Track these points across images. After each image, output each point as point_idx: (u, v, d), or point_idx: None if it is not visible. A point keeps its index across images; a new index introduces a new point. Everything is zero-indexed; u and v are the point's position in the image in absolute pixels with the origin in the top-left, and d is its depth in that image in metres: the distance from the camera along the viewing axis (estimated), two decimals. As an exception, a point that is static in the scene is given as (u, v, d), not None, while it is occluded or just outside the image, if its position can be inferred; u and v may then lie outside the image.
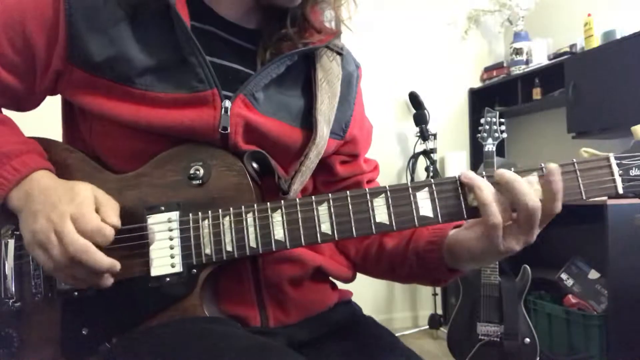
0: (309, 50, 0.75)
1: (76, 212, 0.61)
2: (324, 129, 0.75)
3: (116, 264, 0.62)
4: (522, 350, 2.03)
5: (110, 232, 0.62)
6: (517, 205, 0.60)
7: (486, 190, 0.61)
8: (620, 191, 0.61)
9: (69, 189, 0.63)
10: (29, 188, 0.64)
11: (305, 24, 0.76)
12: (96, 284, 0.62)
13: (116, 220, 0.63)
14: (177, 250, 0.65)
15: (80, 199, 0.62)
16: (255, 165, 0.69)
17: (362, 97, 0.87)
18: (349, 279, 0.84)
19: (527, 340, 2.03)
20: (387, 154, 3.05)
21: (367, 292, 2.77)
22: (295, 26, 0.75)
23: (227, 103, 0.68)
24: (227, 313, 0.70)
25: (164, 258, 0.65)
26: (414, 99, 2.95)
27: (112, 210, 0.64)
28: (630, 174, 0.61)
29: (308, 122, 0.75)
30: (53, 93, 0.74)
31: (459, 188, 0.63)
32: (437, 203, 0.63)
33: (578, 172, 0.62)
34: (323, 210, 0.64)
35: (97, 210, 0.63)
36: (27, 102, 0.74)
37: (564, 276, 2.35)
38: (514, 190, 0.60)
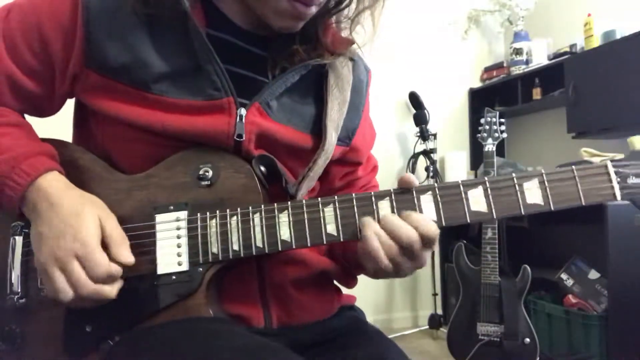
0: (323, 63, 0.76)
1: (82, 253, 0.61)
2: (332, 136, 0.76)
3: (120, 285, 0.64)
4: (522, 350, 2.04)
5: (119, 273, 0.63)
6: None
7: (371, 240, 0.63)
8: (619, 198, 0.62)
9: (75, 213, 0.63)
10: (36, 199, 0.64)
11: (316, 43, 0.77)
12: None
13: (131, 258, 0.64)
14: (184, 249, 0.66)
15: (84, 233, 0.61)
16: (263, 168, 0.70)
17: (369, 103, 0.88)
18: (351, 286, 0.85)
19: (527, 340, 2.04)
20: (387, 154, 3.05)
21: (367, 292, 2.77)
22: (305, 44, 0.76)
23: (242, 111, 0.69)
24: (231, 313, 0.70)
25: (171, 256, 0.66)
26: (414, 99, 2.95)
27: (122, 246, 0.64)
28: (628, 181, 0.63)
29: (318, 128, 0.76)
30: (71, 96, 0.74)
31: (462, 192, 0.64)
32: (440, 206, 0.64)
33: (577, 178, 0.63)
34: (329, 212, 0.65)
35: (104, 244, 0.63)
36: (47, 106, 0.75)
37: (564, 276, 2.36)
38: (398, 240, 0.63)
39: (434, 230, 0.63)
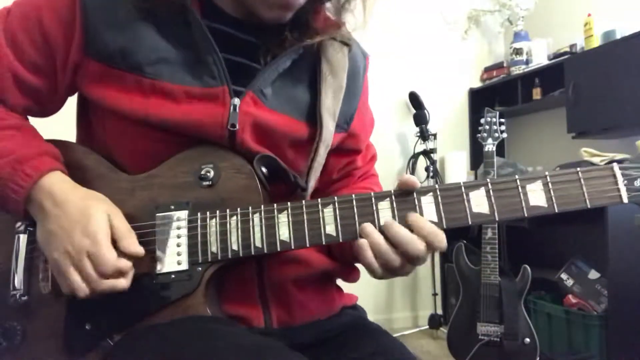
0: (312, 43, 0.75)
1: (92, 250, 0.62)
2: (329, 123, 0.76)
3: (132, 273, 0.65)
4: (522, 350, 2.04)
5: (127, 267, 0.64)
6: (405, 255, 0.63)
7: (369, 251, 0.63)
8: (625, 200, 0.61)
9: (82, 209, 0.64)
10: (42, 198, 0.65)
11: (307, 30, 0.77)
12: None
13: (140, 250, 0.65)
14: (184, 249, 0.66)
15: (94, 228, 0.63)
16: (264, 169, 0.70)
17: (367, 87, 0.88)
18: (354, 279, 0.85)
19: (527, 340, 2.04)
20: (387, 154, 3.04)
21: (367, 292, 2.77)
22: (297, 30, 0.76)
23: (236, 100, 0.69)
24: (231, 313, 0.70)
25: (171, 256, 0.66)
26: (414, 99, 2.95)
27: (132, 239, 0.65)
28: (635, 184, 0.62)
29: (313, 117, 0.76)
30: (74, 91, 0.75)
31: (464, 194, 0.64)
32: (441, 208, 0.64)
33: (582, 180, 0.62)
34: (328, 212, 0.65)
35: (114, 238, 0.64)
36: (51, 102, 0.75)
37: (564, 276, 2.36)
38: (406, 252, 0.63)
39: (444, 243, 0.63)
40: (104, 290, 0.62)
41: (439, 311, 2.93)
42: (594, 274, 2.28)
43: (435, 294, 2.96)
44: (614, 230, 2.06)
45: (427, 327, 2.88)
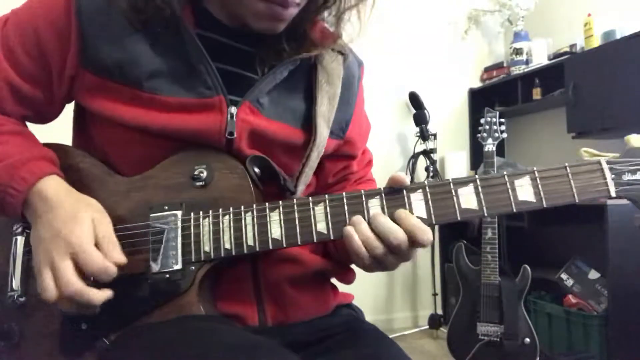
0: (310, 56, 0.76)
1: (76, 250, 0.61)
2: (323, 130, 0.76)
3: (109, 295, 0.62)
4: (522, 350, 2.04)
5: (114, 271, 0.62)
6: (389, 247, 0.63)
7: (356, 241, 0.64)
8: (613, 194, 0.61)
9: (71, 215, 0.63)
10: (37, 203, 0.65)
11: (304, 40, 0.77)
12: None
13: (122, 258, 0.64)
14: (178, 248, 0.67)
15: (78, 234, 0.62)
16: (256, 170, 0.71)
17: (363, 95, 0.89)
18: (349, 280, 0.85)
19: (527, 340, 2.04)
20: (387, 154, 3.05)
21: (367, 292, 2.77)
22: (293, 41, 0.76)
23: (233, 109, 0.70)
24: (226, 311, 0.70)
25: (165, 256, 0.67)
26: (414, 99, 2.95)
27: (114, 247, 0.64)
28: (623, 178, 0.62)
29: (308, 123, 0.76)
30: (70, 100, 0.76)
31: (453, 190, 0.64)
32: (430, 205, 0.64)
33: (570, 175, 0.62)
34: (319, 210, 0.66)
35: (97, 244, 0.63)
36: (48, 111, 0.76)
37: (564, 276, 2.35)
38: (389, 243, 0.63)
39: (428, 237, 0.63)
40: (72, 294, 0.60)
41: (439, 311, 2.94)
42: (594, 274, 2.28)
43: (435, 294, 2.96)
44: (614, 230, 2.06)
45: (427, 327, 2.88)
